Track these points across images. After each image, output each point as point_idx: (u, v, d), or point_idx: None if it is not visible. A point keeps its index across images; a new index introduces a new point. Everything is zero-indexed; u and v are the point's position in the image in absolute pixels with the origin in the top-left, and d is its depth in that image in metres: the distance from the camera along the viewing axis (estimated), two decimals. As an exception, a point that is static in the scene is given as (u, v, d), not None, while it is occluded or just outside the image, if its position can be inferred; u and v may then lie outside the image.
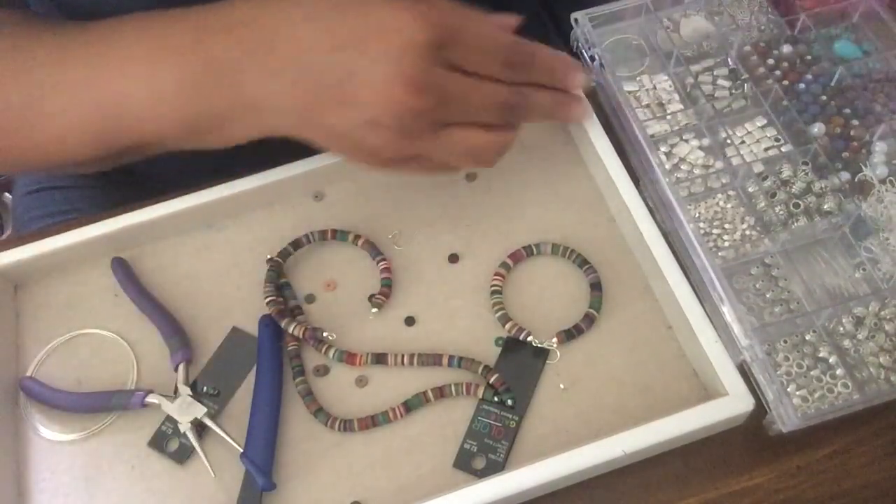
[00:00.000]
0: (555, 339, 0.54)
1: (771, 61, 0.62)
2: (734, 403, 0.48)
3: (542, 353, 0.54)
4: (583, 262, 0.56)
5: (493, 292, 0.56)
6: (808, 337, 0.51)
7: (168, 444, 0.53)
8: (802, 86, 0.60)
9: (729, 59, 0.62)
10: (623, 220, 0.57)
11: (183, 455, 0.53)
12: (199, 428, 0.53)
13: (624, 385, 0.53)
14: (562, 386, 0.53)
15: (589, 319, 0.54)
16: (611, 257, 0.57)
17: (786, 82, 0.61)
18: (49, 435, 0.54)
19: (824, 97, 0.60)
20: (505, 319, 0.55)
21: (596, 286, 0.55)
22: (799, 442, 0.51)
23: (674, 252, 0.53)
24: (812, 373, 0.50)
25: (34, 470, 0.53)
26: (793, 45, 0.62)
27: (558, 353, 0.54)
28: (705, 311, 0.51)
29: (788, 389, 0.49)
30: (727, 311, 0.49)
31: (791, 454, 0.50)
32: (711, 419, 0.48)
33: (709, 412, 0.48)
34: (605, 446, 0.47)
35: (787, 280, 0.54)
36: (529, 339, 0.54)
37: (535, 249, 0.57)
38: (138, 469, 0.53)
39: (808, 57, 0.62)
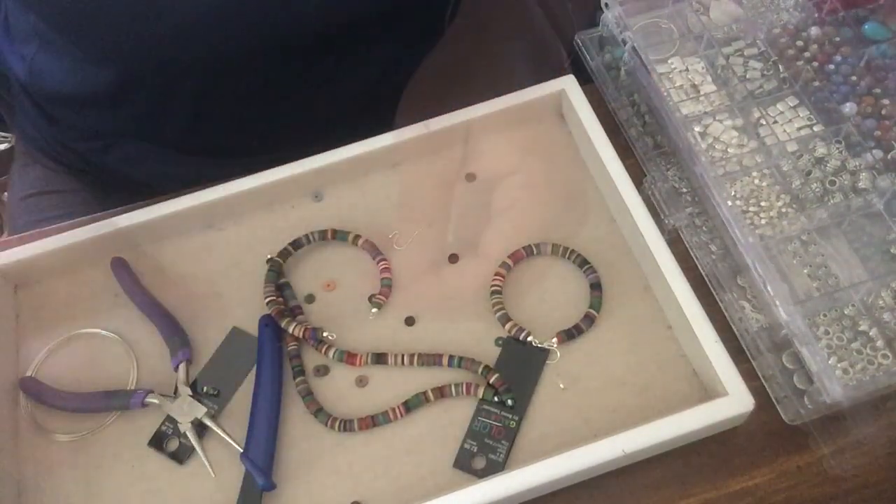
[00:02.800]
0: (555, 339, 0.54)
1: (800, 43, 0.62)
2: (734, 403, 0.48)
3: (542, 353, 0.54)
4: (583, 262, 0.56)
5: (493, 292, 0.56)
6: (847, 311, 0.51)
7: (168, 444, 0.53)
8: (832, 67, 0.61)
9: (758, 42, 0.63)
10: (623, 220, 0.57)
11: (183, 455, 0.53)
12: (199, 428, 0.53)
13: (624, 385, 0.53)
14: (562, 386, 0.53)
15: (589, 319, 0.54)
16: (611, 257, 0.57)
17: (815, 63, 0.61)
18: (49, 435, 0.54)
19: (854, 77, 0.60)
20: (505, 319, 0.55)
21: (596, 286, 0.55)
22: (799, 442, 0.51)
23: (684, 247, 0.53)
24: (853, 345, 0.50)
25: (34, 470, 0.53)
26: (821, 26, 0.63)
27: (558, 353, 0.54)
28: (705, 310, 0.51)
29: (830, 362, 0.50)
30: (769, 287, 0.49)
31: (791, 454, 0.50)
32: (711, 419, 0.48)
33: (709, 412, 0.48)
34: (605, 446, 0.47)
35: (823, 256, 0.54)
36: (529, 339, 0.54)
37: (535, 249, 0.57)
38: (138, 469, 0.53)
39: (837, 38, 0.62)
